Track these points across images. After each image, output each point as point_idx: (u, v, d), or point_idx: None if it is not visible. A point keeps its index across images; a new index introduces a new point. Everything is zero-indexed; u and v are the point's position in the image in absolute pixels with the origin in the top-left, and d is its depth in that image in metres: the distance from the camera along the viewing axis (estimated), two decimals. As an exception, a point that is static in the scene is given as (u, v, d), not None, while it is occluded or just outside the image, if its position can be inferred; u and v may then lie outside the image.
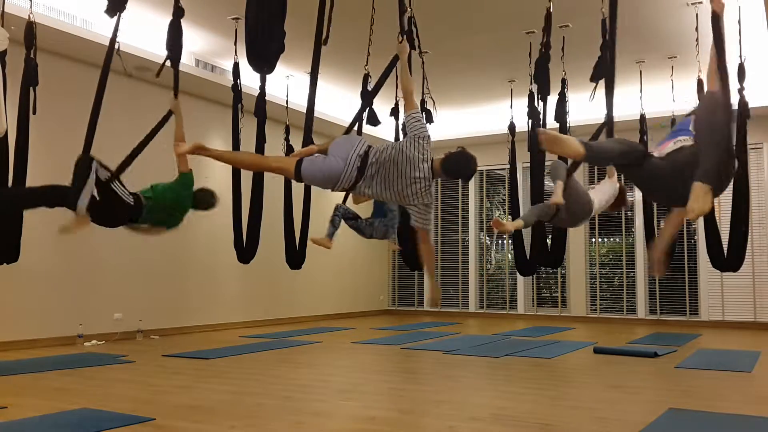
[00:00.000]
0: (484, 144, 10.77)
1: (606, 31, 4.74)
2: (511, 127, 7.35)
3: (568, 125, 5.68)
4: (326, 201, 6.10)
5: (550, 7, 5.27)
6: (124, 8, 4.20)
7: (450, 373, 5.09)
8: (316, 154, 3.51)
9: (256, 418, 3.42)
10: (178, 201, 4.13)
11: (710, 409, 3.64)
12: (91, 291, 6.86)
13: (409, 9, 5.11)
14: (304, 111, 7.54)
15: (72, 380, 4.56)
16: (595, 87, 4.95)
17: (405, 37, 4.04)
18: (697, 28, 6.11)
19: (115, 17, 4.31)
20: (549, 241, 6.77)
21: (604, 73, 4.72)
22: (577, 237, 10.05)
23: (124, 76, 4.70)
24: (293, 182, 7.05)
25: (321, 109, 8.10)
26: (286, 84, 7.89)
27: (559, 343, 6.92)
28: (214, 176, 8.13)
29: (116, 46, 4.17)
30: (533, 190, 6.31)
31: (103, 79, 4.07)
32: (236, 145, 5.85)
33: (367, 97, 3.88)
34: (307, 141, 5.41)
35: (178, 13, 4.70)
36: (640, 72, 7.50)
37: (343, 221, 5.81)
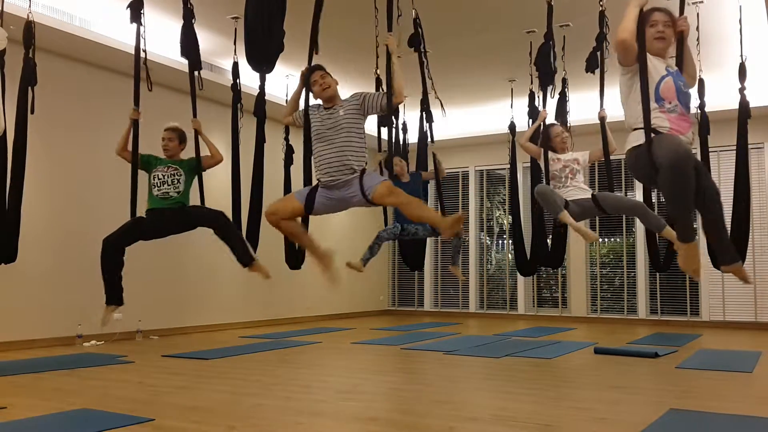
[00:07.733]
0: (484, 144, 10.79)
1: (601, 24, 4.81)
2: (512, 126, 7.35)
3: (568, 125, 5.68)
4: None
5: (551, 0, 5.26)
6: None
7: (450, 373, 5.08)
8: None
9: (256, 419, 3.41)
10: None
11: (711, 409, 3.63)
12: (90, 291, 6.83)
13: (414, 10, 5.10)
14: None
15: (71, 380, 4.56)
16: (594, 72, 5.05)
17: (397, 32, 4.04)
18: (697, 28, 6.09)
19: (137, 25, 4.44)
20: (549, 241, 6.77)
21: (596, 63, 4.78)
22: (577, 237, 10.00)
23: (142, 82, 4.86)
24: (293, 182, 7.09)
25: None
26: (286, 83, 7.88)
27: (559, 344, 6.91)
28: (214, 176, 8.14)
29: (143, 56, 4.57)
30: (533, 190, 6.30)
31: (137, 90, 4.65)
32: (236, 145, 5.84)
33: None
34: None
35: (189, 16, 4.73)
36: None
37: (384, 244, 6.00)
